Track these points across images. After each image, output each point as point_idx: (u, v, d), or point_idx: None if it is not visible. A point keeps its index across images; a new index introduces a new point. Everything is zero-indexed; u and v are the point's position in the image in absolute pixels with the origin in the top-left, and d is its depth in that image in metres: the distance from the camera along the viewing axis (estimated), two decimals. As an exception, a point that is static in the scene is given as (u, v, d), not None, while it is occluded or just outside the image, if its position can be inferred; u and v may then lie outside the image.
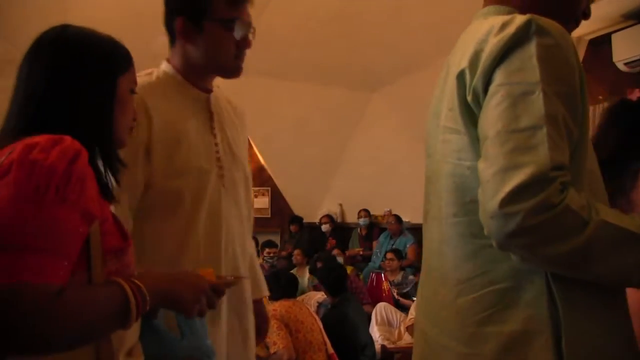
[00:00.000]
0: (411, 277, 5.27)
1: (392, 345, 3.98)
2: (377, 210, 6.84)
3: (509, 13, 0.92)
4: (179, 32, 1.38)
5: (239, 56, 1.42)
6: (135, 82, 1.01)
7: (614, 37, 4.29)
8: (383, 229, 6.58)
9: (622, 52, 4.21)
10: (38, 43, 0.93)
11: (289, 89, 6.14)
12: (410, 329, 4.08)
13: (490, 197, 0.76)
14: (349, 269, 5.49)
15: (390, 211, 6.50)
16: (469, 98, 0.86)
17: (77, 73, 0.91)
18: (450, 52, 1.04)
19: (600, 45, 4.62)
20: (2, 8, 5.14)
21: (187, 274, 1.02)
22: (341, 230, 7.30)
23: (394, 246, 5.92)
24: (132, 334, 0.92)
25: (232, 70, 1.46)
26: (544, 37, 0.81)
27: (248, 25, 1.39)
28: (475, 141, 0.85)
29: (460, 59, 0.88)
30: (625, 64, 4.24)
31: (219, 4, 1.35)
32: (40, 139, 0.80)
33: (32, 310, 0.72)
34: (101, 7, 5.11)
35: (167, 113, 1.36)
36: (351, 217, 7.24)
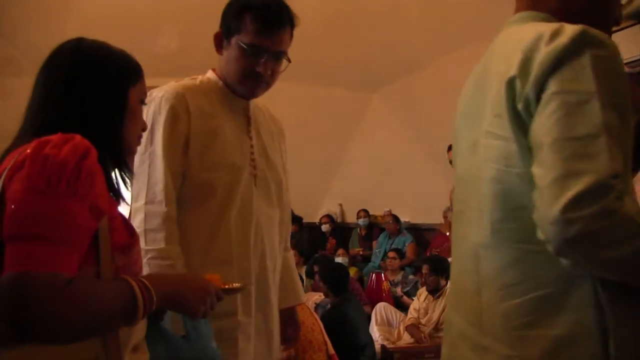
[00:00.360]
0: (411, 276, 5.27)
1: (391, 345, 3.98)
2: (377, 211, 6.84)
3: (545, 19, 0.95)
4: (214, 43, 1.50)
5: (250, 78, 1.45)
6: (145, 94, 1.06)
7: (614, 37, 4.29)
8: (383, 229, 6.59)
9: (622, 52, 4.19)
10: (55, 54, 1.00)
11: (289, 89, 6.13)
12: (409, 328, 4.08)
13: (550, 204, 0.77)
14: (352, 271, 5.48)
15: (390, 211, 6.51)
16: (520, 106, 0.86)
17: (90, 83, 0.95)
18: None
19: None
20: (3, 7, 5.14)
21: (194, 276, 1.05)
22: (341, 230, 7.31)
23: (393, 246, 5.93)
24: (138, 330, 0.94)
25: (243, 91, 1.50)
26: (598, 48, 0.84)
27: (270, 55, 1.43)
28: (525, 149, 0.86)
29: (506, 66, 0.89)
30: (625, 64, 4.23)
31: (249, 27, 1.40)
32: (53, 137, 0.84)
33: (40, 298, 0.74)
34: (102, 8, 5.11)
35: (206, 109, 1.43)
36: (351, 217, 7.24)
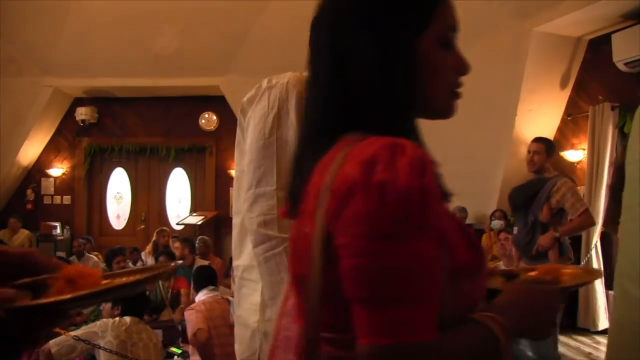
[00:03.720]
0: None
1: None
2: (377, 210, 6.83)
3: None
4: None
5: None
6: (449, 25, 0.77)
7: (614, 37, 4.28)
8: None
9: (622, 52, 4.21)
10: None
11: (289, 89, 6.14)
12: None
13: None
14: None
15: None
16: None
17: (354, 40, 0.72)
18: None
19: (600, 45, 4.61)
20: (3, 7, 5.14)
21: (535, 292, 0.80)
22: (341, 230, 7.32)
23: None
24: None
25: None
26: None
27: None
28: None
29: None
30: (625, 64, 4.23)
31: None
32: (374, 148, 0.64)
33: None
34: (102, 8, 5.11)
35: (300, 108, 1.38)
36: (351, 217, 7.25)
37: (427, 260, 0.61)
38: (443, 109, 0.78)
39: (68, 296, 0.51)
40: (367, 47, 0.71)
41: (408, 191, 0.60)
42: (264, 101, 1.33)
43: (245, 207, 1.29)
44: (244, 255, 1.42)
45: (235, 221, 1.46)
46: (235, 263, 1.48)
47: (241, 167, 1.39)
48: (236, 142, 1.44)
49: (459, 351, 0.65)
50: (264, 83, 1.36)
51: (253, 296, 1.37)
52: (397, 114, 0.72)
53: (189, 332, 2.93)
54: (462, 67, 0.78)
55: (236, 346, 1.42)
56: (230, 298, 3.28)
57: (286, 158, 1.26)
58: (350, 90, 0.71)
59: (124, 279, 0.61)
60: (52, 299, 0.51)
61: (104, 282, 0.58)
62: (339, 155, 0.66)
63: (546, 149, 3.52)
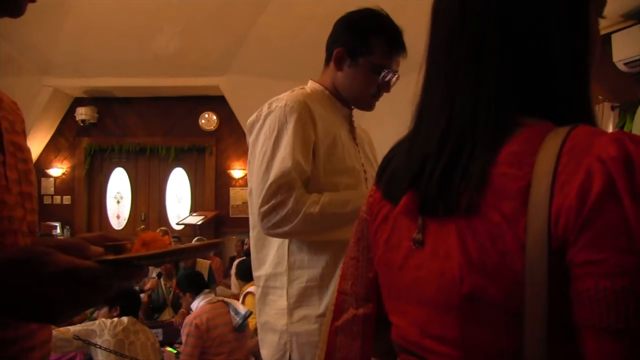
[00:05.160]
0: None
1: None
2: (377, 210, 6.83)
3: None
4: (335, 58, 1.54)
5: (375, 96, 1.58)
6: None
7: (614, 37, 4.28)
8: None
9: (622, 52, 4.20)
10: None
11: (289, 89, 6.14)
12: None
13: None
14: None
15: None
16: None
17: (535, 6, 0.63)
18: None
19: (600, 45, 4.60)
20: (2, 8, 5.13)
21: None
22: (341, 230, 7.31)
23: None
24: None
25: (366, 105, 1.62)
26: None
27: (393, 74, 1.56)
28: None
29: None
30: (625, 64, 4.23)
31: (377, 49, 1.51)
32: (609, 141, 0.54)
33: None
34: (101, 8, 5.10)
35: (324, 118, 1.49)
36: (351, 217, 7.25)
37: None
38: None
39: (144, 253, 0.64)
40: (553, 28, 0.64)
41: None
42: (266, 126, 1.45)
43: (259, 222, 1.40)
44: (266, 265, 1.48)
45: (252, 234, 1.53)
46: (256, 274, 1.55)
47: (252, 184, 1.49)
48: (248, 159, 1.54)
49: None
50: (265, 108, 1.48)
51: (279, 302, 1.44)
52: (587, 97, 0.67)
53: (185, 348, 2.96)
54: None
55: (264, 352, 1.48)
56: (228, 300, 3.27)
57: (285, 176, 1.38)
58: (530, 71, 0.64)
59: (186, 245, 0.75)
60: (131, 255, 0.64)
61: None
62: (547, 145, 0.57)
63: None
